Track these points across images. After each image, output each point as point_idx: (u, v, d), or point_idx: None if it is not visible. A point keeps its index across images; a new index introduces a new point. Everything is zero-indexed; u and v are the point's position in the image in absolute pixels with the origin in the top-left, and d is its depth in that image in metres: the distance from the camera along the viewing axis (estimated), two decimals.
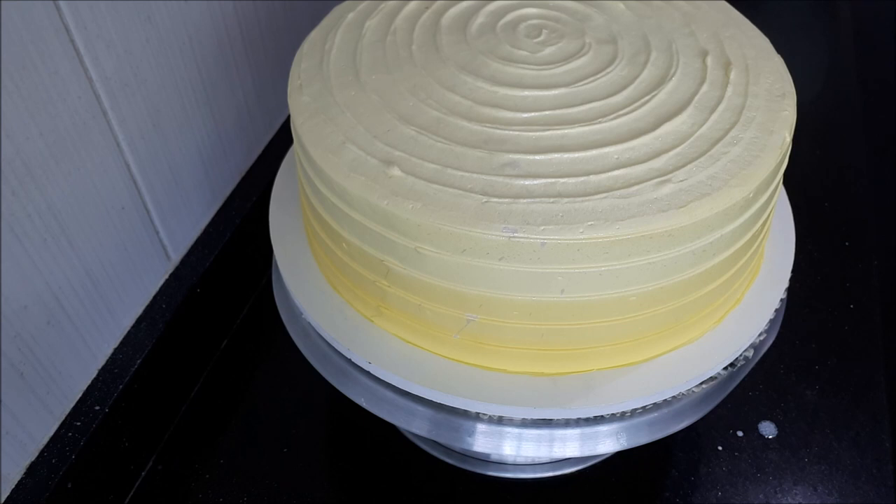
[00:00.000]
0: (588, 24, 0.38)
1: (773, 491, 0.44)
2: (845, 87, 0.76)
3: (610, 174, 0.30)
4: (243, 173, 0.54)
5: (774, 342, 0.38)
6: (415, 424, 0.34)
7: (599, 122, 0.32)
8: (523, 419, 0.33)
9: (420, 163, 0.31)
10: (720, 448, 0.46)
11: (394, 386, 0.34)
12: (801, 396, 0.49)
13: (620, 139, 0.32)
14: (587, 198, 0.29)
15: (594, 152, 0.31)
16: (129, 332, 0.44)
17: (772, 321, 0.37)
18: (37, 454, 0.39)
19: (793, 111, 0.34)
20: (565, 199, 0.29)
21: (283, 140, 0.57)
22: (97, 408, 0.41)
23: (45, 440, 0.39)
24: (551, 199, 0.29)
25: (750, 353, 0.36)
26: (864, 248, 0.59)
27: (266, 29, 0.52)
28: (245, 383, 0.50)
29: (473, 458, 0.45)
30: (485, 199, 0.29)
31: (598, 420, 0.33)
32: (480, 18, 0.38)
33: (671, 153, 0.31)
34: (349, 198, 0.31)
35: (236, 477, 0.45)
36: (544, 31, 0.37)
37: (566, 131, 0.32)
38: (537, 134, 0.32)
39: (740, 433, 0.47)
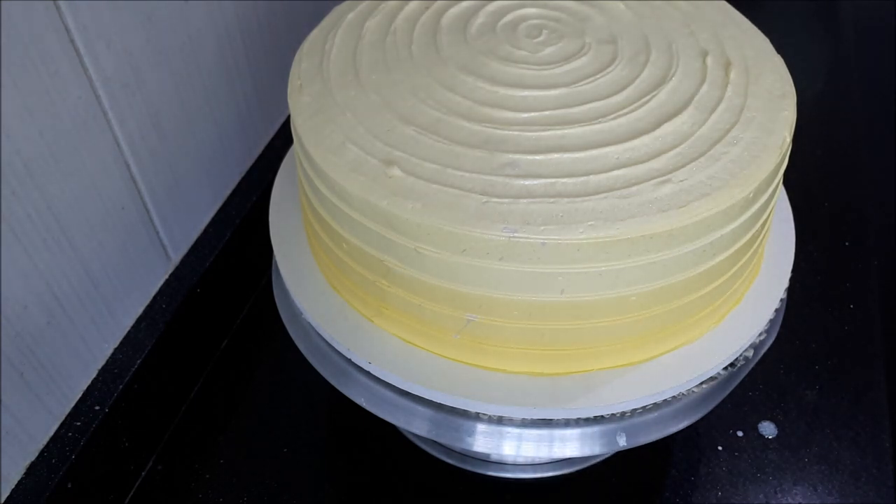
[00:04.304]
0: (588, 25, 0.38)
1: (773, 491, 0.44)
2: (845, 88, 0.76)
3: (610, 174, 0.30)
4: (243, 173, 0.54)
5: (774, 342, 0.38)
6: (415, 424, 0.34)
7: (599, 122, 0.32)
8: (523, 419, 0.33)
9: (420, 163, 0.31)
10: (720, 448, 0.46)
11: (394, 386, 0.34)
12: (801, 396, 0.49)
13: (620, 139, 0.32)
14: (587, 198, 0.29)
15: (594, 152, 0.31)
16: (129, 332, 0.44)
17: (772, 321, 0.37)
18: (37, 454, 0.39)
19: (793, 111, 0.34)
20: (565, 199, 0.29)
21: (283, 140, 0.57)
22: (97, 408, 0.41)
23: (45, 440, 0.39)
24: (551, 199, 0.29)
25: (750, 353, 0.36)
26: (864, 248, 0.59)
27: (266, 29, 0.52)
28: (245, 383, 0.50)
29: (473, 458, 0.45)
30: (485, 199, 0.29)
31: (598, 420, 0.33)
32: (480, 18, 0.38)
33: (671, 153, 0.31)
34: (349, 198, 0.31)
35: (236, 477, 0.45)
36: (544, 32, 0.37)
37: (566, 131, 0.32)
38: (537, 134, 0.32)
39: (740, 433, 0.47)
